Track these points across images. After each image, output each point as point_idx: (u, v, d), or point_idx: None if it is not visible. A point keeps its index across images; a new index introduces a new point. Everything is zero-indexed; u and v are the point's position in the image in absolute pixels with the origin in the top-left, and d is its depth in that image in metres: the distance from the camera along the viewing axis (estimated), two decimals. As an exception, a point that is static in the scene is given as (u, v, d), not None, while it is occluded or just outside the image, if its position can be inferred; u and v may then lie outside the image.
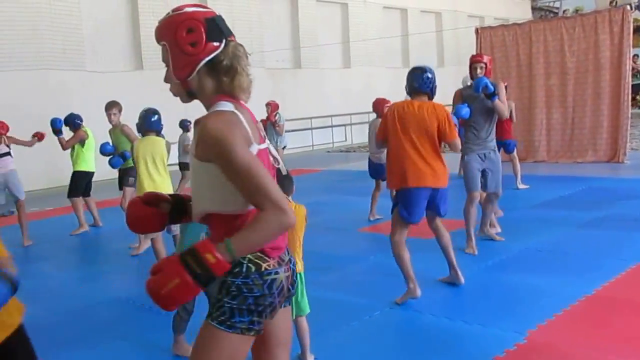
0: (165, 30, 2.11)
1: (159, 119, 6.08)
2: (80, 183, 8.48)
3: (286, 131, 19.52)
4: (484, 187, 6.24)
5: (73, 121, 8.43)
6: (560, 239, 6.46)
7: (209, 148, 1.98)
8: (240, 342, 2.08)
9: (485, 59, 6.19)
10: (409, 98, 4.97)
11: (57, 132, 8.40)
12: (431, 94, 4.88)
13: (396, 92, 21.00)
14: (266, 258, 2.09)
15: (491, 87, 5.75)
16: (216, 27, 2.09)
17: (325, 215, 8.58)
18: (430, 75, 4.84)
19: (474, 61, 6.19)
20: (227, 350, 2.07)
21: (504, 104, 5.95)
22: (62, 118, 8.49)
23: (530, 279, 5.18)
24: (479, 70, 6.09)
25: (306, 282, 5.45)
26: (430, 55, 24.83)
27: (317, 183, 11.95)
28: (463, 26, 22.50)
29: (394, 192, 5.07)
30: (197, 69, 2.07)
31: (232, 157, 1.95)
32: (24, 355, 2.17)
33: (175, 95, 2.20)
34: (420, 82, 4.83)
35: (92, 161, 8.63)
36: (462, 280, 5.13)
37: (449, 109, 5.28)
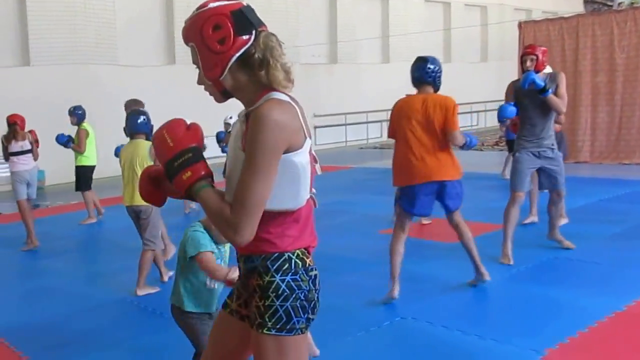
0: (191, 31, 2.00)
1: (147, 120, 5.63)
2: (85, 177, 8.84)
3: (319, 127, 19.54)
4: (542, 186, 6.10)
5: (76, 113, 8.64)
6: (593, 248, 6.14)
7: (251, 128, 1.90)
8: (303, 342, 2.07)
9: (539, 50, 5.74)
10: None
11: (65, 145, 8.78)
12: (434, 84, 4.76)
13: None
14: (308, 254, 2.10)
15: (540, 83, 5.41)
16: (244, 19, 1.97)
17: (347, 215, 8.44)
18: (432, 66, 4.73)
19: (524, 53, 5.83)
20: (296, 355, 2.04)
21: (562, 98, 5.55)
22: (61, 135, 8.86)
23: (555, 290, 4.92)
24: (528, 63, 5.68)
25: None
26: (474, 51, 24.39)
27: (345, 181, 11.78)
28: (509, 20, 21.97)
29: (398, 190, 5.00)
30: (229, 66, 1.96)
31: (261, 146, 1.87)
32: None
33: (210, 95, 2.11)
34: (421, 72, 4.74)
35: (94, 155, 9.04)
36: (488, 277, 5.03)
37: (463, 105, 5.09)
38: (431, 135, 4.67)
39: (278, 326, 2.00)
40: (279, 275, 2.01)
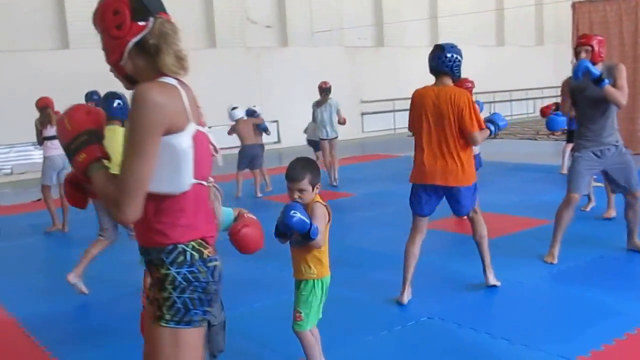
0: (96, 16, 2.11)
1: (122, 104, 5.28)
2: None
3: (366, 114, 19.37)
4: (613, 190, 5.88)
5: (92, 98, 8.42)
6: (644, 247, 5.87)
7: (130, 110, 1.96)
8: (200, 335, 2.13)
9: (594, 40, 5.35)
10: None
11: None
12: (452, 74, 4.56)
13: (489, 73, 20.41)
14: (206, 245, 2.14)
15: (595, 72, 5.06)
16: (142, 5, 2.06)
17: (386, 207, 8.35)
18: (449, 55, 4.51)
19: (578, 44, 5.45)
20: (193, 348, 2.10)
21: (621, 90, 5.17)
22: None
23: (596, 293, 4.71)
24: (583, 55, 5.31)
25: (342, 282, 5.28)
26: (528, 33, 23.81)
27: (389, 170, 11.64)
28: None
29: None
30: (126, 52, 2.05)
31: (138, 125, 1.93)
32: None
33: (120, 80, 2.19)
34: (437, 60, 4.54)
35: None
36: (492, 282, 4.89)
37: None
38: (442, 132, 4.47)
39: (176, 318, 2.06)
40: (174, 267, 2.06)
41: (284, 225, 3.13)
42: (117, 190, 1.96)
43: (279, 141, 17.54)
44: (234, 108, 10.20)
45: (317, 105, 10.54)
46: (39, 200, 9.91)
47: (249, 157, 10.08)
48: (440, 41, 21.09)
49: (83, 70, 14.03)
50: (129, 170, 1.94)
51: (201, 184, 2.12)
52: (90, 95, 8.51)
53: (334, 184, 10.47)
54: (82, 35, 14.31)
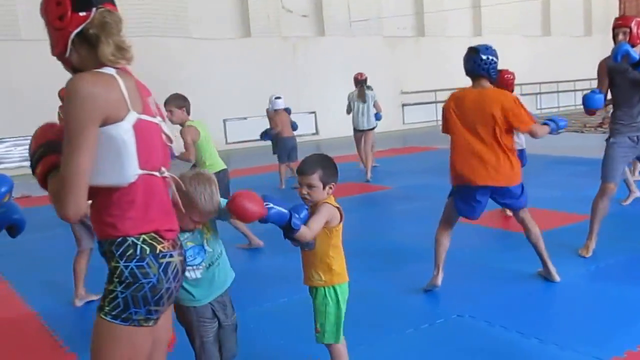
0: (41, 7, 2.09)
1: None
2: None
3: (406, 105, 19.21)
4: None
5: None
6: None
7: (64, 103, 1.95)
8: (140, 334, 2.07)
9: (632, 22, 5.23)
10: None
11: None
12: (489, 76, 4.48)
13: (534, 64, 20.03)
14: (161, 239, 2.08)
15: (635, 56, 4.93)
16: None
17: (425, 201, 8.20)
18: (485, 57, 4.43)
19: (615, 26, 5.33)
20: (127, 346, 2.06)
21: None
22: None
23: (635, 291, 4.54)
24: (620, 37, 5.20)
25: (374, 277, 5.20)
26: (576, 23, 23.29)
27: (429, 163, 11.47)
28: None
29: None
30: (69, 43, 2.03)
31: (71, 118, 1.91)
32: None
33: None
34: (472, 63, 4.47)
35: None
36: (557, 278, 4.77)
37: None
38: (487, 134, 4.43)
39: (114, 313, 2.03)
40: (123, 261, 2.03)
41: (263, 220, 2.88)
42: (59, 186, 1.94)
43: (316, 133, 17.52)
44: (277, 97, 10.26)
45: (353, 96, 10.51)
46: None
47: (288, 149, 10.09)
48: (484, 31, 20.90)
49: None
50: (67, 164, 1.91)
51: (151, 174, 2.08)
52: None
53: (367, 178, 10.38)
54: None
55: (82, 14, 2.01)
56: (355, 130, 10.58)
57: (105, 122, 1.94)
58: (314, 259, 3.12)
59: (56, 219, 6.29)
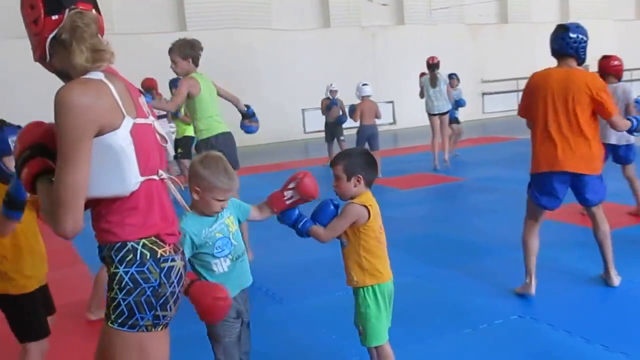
0: (20, 10, 1.96)
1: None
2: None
3: (487, 94, 18.58)
4: None
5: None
6: None
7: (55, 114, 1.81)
8: (152, 340, 1.97)
9: None
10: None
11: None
12: (578, 57, 4.10)
13: (626, 49, 18.94)
14: (162, 244, 1.98)
15: None
16: None
17: (497, 193, 7.87)
18: (574, 35, 4.07)
19: None
20: (139, 353, 1.96)
21: None
22: None
23: None
24: None
25: (436, 271, 4.97)
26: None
27: (506, 154, 11.04)
28: None
29: None
30: (47, 48, 1.91)
31: (64, 132, 1.78)
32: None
33: None
34: (560, 42, 4.11)
35: None
36: (616, 282, 4.38)
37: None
38: (571, 117, 4.07)
39: (120, 320, 1.92)
40: (123, 266, 1.91)
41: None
42: (53, 203, 1.81)
43: (394, 122, 17.21)
44: (364, 84, 10.20)
45: (426, 80, 10.35)
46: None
47: (367, 137, 9.97)
48: (572, 17, 20.01)
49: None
50: (62, 181, 1.79)
51: (151, 179, 1.97)
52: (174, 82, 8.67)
53: (437, 167, 10.09)
54: (198, 17, 14.66)
55: (54, 17, 1.88)
56: (429, 114, 10.39)
57: (100, 132, 1.82)
58: (347, 259, 3.01)
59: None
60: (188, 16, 14.63)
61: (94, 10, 1.95)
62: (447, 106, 10.29)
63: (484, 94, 18.53)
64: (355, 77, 16.48)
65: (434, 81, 10.18)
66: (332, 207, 2.94)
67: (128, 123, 1.88)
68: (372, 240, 2.96)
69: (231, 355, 2.72)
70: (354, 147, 3.11)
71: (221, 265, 2.68)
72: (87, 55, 1.88)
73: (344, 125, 11.02)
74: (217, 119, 5.32)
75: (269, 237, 5.67)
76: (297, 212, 2.88)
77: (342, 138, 10.85)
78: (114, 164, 1.85)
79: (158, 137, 2.03)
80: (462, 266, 5.09)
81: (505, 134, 13.86)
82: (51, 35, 1.88)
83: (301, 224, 2.88)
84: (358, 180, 2.93)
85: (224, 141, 5.30)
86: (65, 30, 1.87)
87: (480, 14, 18.28)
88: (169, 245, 2.01)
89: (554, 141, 4.11)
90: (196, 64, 5.23)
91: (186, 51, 5.19)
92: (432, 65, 10.28)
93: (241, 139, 14.80)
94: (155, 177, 1.99)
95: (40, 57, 1.94)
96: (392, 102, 17.00)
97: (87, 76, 1.88)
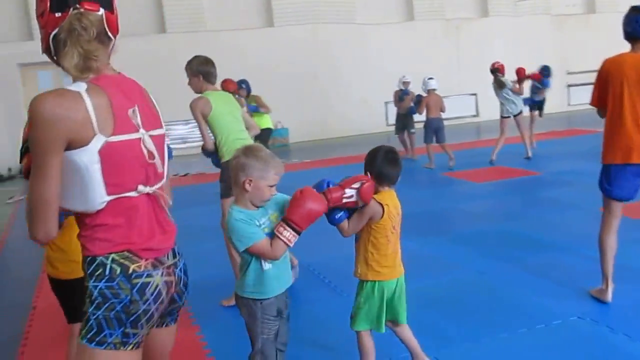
0: None
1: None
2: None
3: (572, 85, 17.83)
4: None
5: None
6: None
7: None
8: (119, 358, 1.84)
9: None
10: None
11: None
12: None
13: None
14: (136, 259, 1.86)
15: None
16: None
17: (570, 187, 7.59)
18: None
19: None
20: None
21: None
22: None
23: None
24: None
25: (496, 267, 4.87)
26: None
27: (585, 147, 10.56)
28: None
29: None
30: (49, 43, 1.86)
31: (33, 142, 1.73)
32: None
33: None
34: (634, 25, 3.82)
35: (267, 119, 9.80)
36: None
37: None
38: None
39: (88, 336, 1.83)
40: (92, 280, 1.83)
41: None
42: (28, 208, 1.77)
43: (477, 114, 16.82)
44: (430, 78, 10.32)
45: (494, 85, 10.29)
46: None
47: (434, 129, 10.03)
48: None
49: (284, 48, 14.52)
50: (32, 191, 1.75)
51: (124, 197, 1.85)
52: (239, 84, 8.78)
53: (530, 156, 10.02)
54: (284, 13, 14.78)
55: (57, 14, 1.81)
56: (501, 116, 10.27)
57: (69, 146, 1.74)
58: (356, 251, 3.08)
59: (213, 196, 6.15)
60: (275, 11, 14.78)
61: (101, 11, 1.86)
62: (517, 108, 10.10)
63: (569, 85, 17.82)
64: (438, 69, 16.22)
65: (498, 85, 10.09)
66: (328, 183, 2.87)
67: (98, 142, 1.77)
68: (382, 239, 2.97)
69: (269, 349, 2.73)
70: (380, 146, 3.08)
71: (270, 262, 2.66)
72: (76, 61, 1.82)
73: (414, 119, 10.99)
74: (241, 135, 4.70)
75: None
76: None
77: (412, 130, 10.96)
78: (78, 180, 1.78)
79: (145, 152, 1.90)
80: (528, 263, 4.93)
81: (591, 126, 13.27)
82: (53, 32, 1.83)
83: (339, 215, 2.88)
84: (369, 176, 2.94)
85: None
86: (64, 31, 1.81)
87: (566, 4, 17.56)
88: (146, 260, 1.88)
89: (630, 132, 3.84)
90: (210, 82, 4.73)
91: (196, 67, 4.69)
92: (493, 71, 10.21)
93: (322, 131, 14.96)
94: (132, 194, 1.87)
95: (45, 50, 1.89)
96: (475, 94, 16.62)
97: (69, 87, 1.81)
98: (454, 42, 16.57)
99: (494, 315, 4.00)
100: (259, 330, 2.70)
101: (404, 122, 11.02)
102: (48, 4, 1.82)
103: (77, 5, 1.82)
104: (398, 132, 11.24)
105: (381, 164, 2.95)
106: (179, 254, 2.06)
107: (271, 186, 2.60)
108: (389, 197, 2.97)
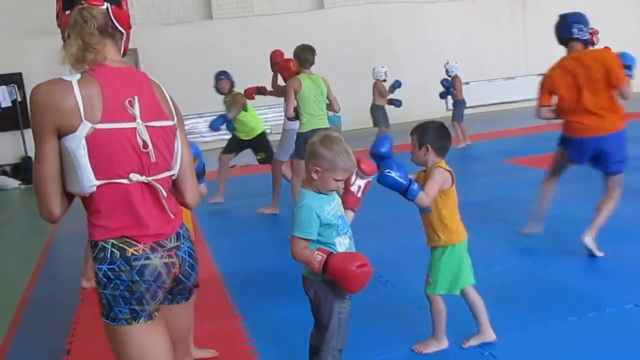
0: None
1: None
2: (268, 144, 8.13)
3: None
4: None
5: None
6: None
7: None
8: (136, 332, 2.09)
9: None
10: None
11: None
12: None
13: None
14: (134, 242, 2.08)
15: None
16: None
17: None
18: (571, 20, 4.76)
19: None
20: (129, 344, 2.10)
21: None
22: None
23: None
24: None
25: (540, 254, 5.04)
26: None
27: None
28: None
29: None
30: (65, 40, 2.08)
31: (31, 125, 2.02)
32: None
33: None
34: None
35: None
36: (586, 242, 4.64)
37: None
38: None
39: (103, 313, 2.10)
40: (97, 263, 2.06)
41: (381, 183, 3.23)
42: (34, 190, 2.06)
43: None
44: (455, 62, 11.51)
45: None
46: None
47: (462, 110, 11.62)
48: None
49: (335, 30, 14.63)
50: (34, 171, 2.04)
51: (115, 182, 2.04)
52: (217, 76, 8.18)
53: None
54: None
55: (67, 12, 2.05)
56: None
57: (61, 133, 1.97)
58: (432, 221, 3.42)
59: (262, 188, 6.57)
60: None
61: (105, 5, 2.05)
62: None
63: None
64: (504, 49, 16.07)
65: None
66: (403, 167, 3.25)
67: (84, 128, 1.96)
68: (453, 203, 3.42)
69: (343, 334, 2.93)
70: (432, 121, 3.49)
71: (343, 244, 2.85)
72: (74, 51, 2.00)
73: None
74: (319, 113, 6.53)
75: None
76: (407, 181, 3.18)
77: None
78: (70, 165, 1.99)
79: (140, 142, 2.06)
80: (572, 248, 4.97)
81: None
82: (67, 31, 2.05)
83: (409, 191, 3.20)
84: (427, 150, 3.38)
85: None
86: (70, 27, 2.02)
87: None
88: (144, 244, 2.08)
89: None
90: (304, 65, 6.56)
91: (296, 53, 6.59)
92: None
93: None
94: (124, 180, 2.05)
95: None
96: (543, 74, 16.38)
97: (64, 77, 2.02)
98: (520, 18, 16.37)
99: (543, 303, 4.08)
100: (335, 310, 2.88)
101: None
102: (61, 4, 2.08)
103: (82, 1, 2.03)
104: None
105: (440, 137, 3.43)
106: (183, 237, 2.23)
107: (338, 180, 2.81)
108: (447, 166, 3.40)
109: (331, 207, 2.83)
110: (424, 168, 3.47)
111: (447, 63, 11.58)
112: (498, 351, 3.48)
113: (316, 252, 2.75)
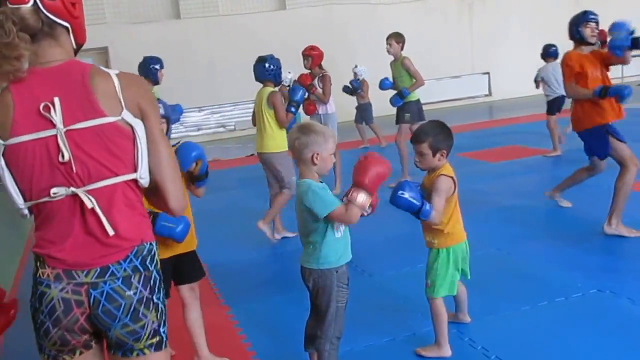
0: None
1: (273, 67, 5.61)
2: None
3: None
4: None
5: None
6: None
7: None
8: None
9: None
10: None
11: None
12: None
13: None
14: (44, 264, 1.71)
15: None
16: None
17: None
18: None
19: None
20: None
21: None
22: None
23: None
24: None
25: (515, 243, 5.00)
26: None
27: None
28: None
29: None
30: None
31: None
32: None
33: None
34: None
35: None
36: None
37: None
38: None
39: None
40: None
41: (394, 204, 3.04)
42: None
43: (489, 94, 16.79)
44: (363, 67, 11.36)
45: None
46: (252, 155, 10.34)
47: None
48: None
49: (299, 29, 14.52)
50: None
51: (41, 202, 1.71)
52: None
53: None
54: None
55: None
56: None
57: None
58: (428, 225, 3.20)
59: (236, 181, 6.48)
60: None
61: (30, 2, 1.66)
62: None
63: None
64: (450, 48, 16.16)
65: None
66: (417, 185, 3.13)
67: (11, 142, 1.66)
68: (453, 206, 3.19)
69: (341, 322, 2.88)
70: (434, 121, 3.25)
71: (340, 229, 2.82)
72: None
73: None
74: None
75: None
76: (416, 203, 3.00)
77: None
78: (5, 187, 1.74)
79: (62, 150, 1.67)
80: (548, 239, 5.04)
81: None
82: None
83: (427, 207, 3.03)
84: (442, 155, 3.13)
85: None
86: None
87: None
88: (51, 269, 1.70)
89: None
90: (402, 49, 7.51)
91: (398, 37, 7.46)
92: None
93: (340, 118, 14.51)
94: (45, 199, 1.70)
95: None
96: (487, 73, 16.58)
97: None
98: (467, 20, 16.51)
99: (514, 289, 4.11)
100: (334, 298, 2.83)
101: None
102: None
103: (7, 1, 1.65)
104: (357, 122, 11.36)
105: (449, 138, 3.17)
106: (116, 274, 1.71)
107: (332, 153, 2.79)
108: (451, 169, 3.19)
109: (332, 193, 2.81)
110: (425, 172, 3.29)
111: (356, 67, 11.17)
112: (477, 336, 3.49)
113: (349, 201, 2.71)
